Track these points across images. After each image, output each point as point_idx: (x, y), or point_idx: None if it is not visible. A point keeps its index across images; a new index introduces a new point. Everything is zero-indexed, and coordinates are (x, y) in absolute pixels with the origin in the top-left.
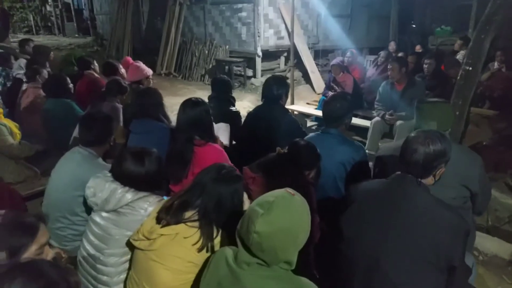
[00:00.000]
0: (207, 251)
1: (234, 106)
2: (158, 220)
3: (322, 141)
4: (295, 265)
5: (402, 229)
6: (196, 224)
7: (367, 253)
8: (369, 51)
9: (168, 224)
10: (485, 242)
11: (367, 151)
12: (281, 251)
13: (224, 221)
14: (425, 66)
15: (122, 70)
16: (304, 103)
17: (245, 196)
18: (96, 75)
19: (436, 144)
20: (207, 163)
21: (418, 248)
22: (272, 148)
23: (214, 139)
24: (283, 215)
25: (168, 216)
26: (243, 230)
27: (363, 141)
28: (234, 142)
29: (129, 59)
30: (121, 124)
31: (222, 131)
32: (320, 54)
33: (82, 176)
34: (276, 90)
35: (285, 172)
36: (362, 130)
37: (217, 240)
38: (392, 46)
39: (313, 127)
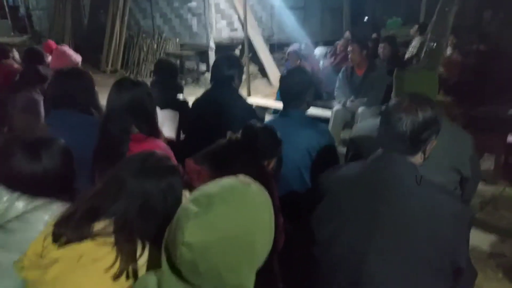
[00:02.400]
0: (128, 278)
1: (181, 93)
2: (55, 237)
3: (282, 126)
4: None
5: (392, 223)
6: (111, 239)
7: (348, 257)
8: (324, 44)
9: (68, 242)
10: None
11: None
12: (229, 272)
13: (153, 232)
14: (380, 50)
15: (49, 58)
16: (262, 96)
17: (187, 194)
18: (16, 65)
19: (425, 109)
20: None
21: (414, 247)
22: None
23: (158, 133)
24: (229, 215)
25: (68, 230)
26: (169, 241)
27: None
28: (182, 136)
29: (52, 43)
30: (42, 118)
31: (168, 120)
32: (275, 47)
33: None
34: (227, 70)
35: (238, 163)
36: (323, 121)
37: (142, 261)
38: (347, 35)
39: None
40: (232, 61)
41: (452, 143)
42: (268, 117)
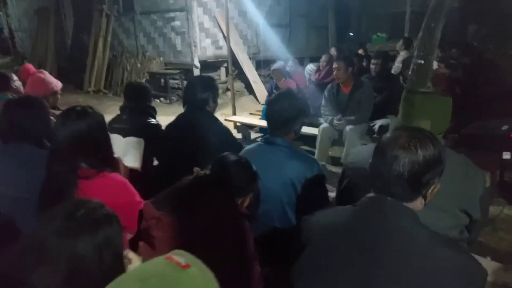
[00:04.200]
0: None
1: (154, 118)
2: None
3: (266, 154)
4: None
5: (389, 284)
6: None
7: None
8: (310, 60)
9: None
10: None
11: None
12: None
13: None
14: (372, 66)
15: (17, 83)
16: (247, 114)
17: (132, 254)
18: None
19: (426, 147)
20: None
21: None
22: (199, 166)
23: (113, 165)
24: None
25: None
26: None
27: (311, 151)
28: (156, 163)
29: (30, 67)
30: None
31: (131, 148)
32: (261, 64)
33: None
34: (200, 93)
35: (207, 204)
36: (310, 139)
37: None
38: (333, 51)
39: (258, 139)
40: (206, 83)
41: (462, 181)
42: (253, 135)
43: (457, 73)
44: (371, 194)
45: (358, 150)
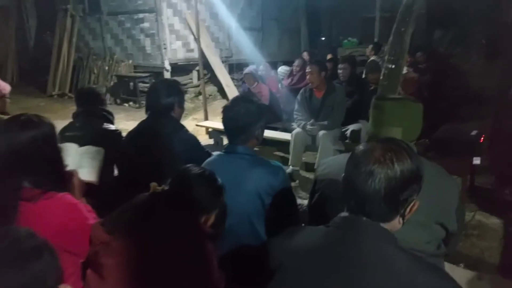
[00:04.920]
0: None
1: (112, 123)
2: None
3: (227, 165)
4: None
5: None
6: None
7: None
8: (283, 64)
9: None
10: None
11: (291, 167)
12: None
13: None
14: (339, 71)
15: None
16: (220, 119)
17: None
18: None
19: (403, 160)
20: (43, 230)
21: None
22: (162, 179)
23: (63, 183)
24: None
25: None
26: None
27: (285, 157)
28: (116, 173)
29: None
30: None
31: (88, 158)
32: (234, 68)
33: None
34: (164, 98)
35: (164, 225)
36: (283, 144)
37: None
38: (305, 55)
39: None
40: (170, 87)
41: (436, 192)
42: (226, 141)
43: (426, 77)
44: (344, 214)
45: (330, 161)
